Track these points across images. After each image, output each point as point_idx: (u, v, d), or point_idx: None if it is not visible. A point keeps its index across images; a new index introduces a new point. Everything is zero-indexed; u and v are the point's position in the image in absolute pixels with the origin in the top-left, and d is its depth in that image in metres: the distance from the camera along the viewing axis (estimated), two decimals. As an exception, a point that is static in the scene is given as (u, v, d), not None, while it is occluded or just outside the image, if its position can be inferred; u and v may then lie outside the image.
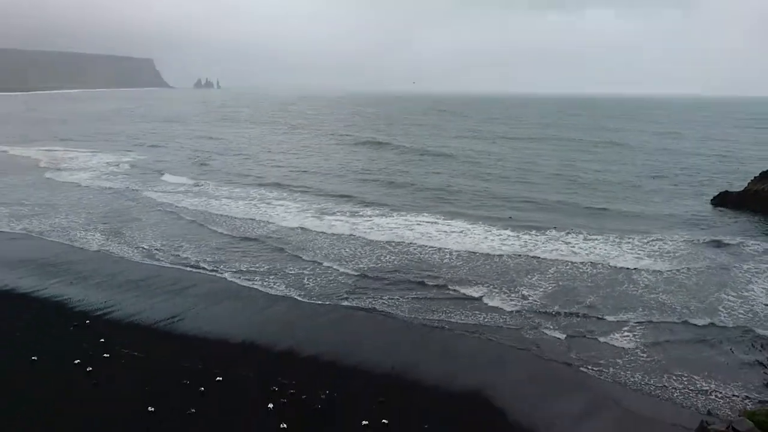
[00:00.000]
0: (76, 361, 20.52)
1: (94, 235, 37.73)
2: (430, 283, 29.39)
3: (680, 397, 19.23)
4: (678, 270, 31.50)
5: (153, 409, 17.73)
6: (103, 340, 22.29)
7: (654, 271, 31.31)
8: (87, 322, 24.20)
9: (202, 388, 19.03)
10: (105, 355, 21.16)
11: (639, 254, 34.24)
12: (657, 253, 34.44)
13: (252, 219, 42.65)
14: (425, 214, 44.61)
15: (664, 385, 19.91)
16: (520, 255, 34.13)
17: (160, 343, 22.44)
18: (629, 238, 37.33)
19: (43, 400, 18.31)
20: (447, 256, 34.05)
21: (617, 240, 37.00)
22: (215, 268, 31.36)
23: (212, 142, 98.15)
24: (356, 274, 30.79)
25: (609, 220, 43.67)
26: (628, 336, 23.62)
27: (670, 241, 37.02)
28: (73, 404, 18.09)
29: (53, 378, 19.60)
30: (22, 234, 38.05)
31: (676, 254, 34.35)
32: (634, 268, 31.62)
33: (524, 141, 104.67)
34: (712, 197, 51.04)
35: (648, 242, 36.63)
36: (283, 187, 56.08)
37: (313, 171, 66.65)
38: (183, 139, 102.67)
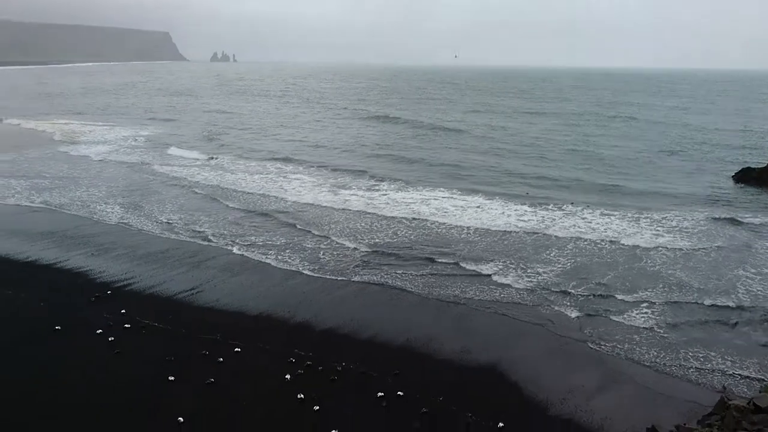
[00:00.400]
0: (99, 331, 21.00)
1: (113, 208, 38.22)
2: (445, 259, 29.37)
3: (697, 375, 19.17)
4: (697, 248, 31.10)
5: (173, 378, 18.14)
6: (124, 311, 22.76)
7: (672, 248, 30.93)
8: (108, 293, 24.70)
9: (221, 359, 19.41)
10: (126, 325, 21.61)
11: (658, 231, 33.83)
12: (676, 230, 34.00)
13: (267, 193, 42.84)
14: (441, 189, 44.43)
15: (681, 364, 19.83)
16: (536, 231, 33.90)
17: (180, 315, 22.85)
18: (647, 215, 36.87)
19: (67, 369, 18.82)
20: (463, 232, 33.95)
21: (635, 216, 36.56)
22: (231, 242, 31.66)
23: (227, 116, 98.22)
24: (371, 249, 30.87)
25: (627, 196, 43.11)
26: (645, 314, 23.49)
27: (690, 217, 36.49)
28: (95, 373, 18.56)
29: (76, 347, 20.10)
30: (42, 207, 38.66)
31: (696, 231, 33.88)
32: (653, 246, 31.27)
33: (540, 116, 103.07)
34: (733, 173, 50.05)
35: (666, 219, 36.14)
36: (297, 161, 56.10)
37: (328, 145, 66.48)
38: (198, 113, 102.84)
